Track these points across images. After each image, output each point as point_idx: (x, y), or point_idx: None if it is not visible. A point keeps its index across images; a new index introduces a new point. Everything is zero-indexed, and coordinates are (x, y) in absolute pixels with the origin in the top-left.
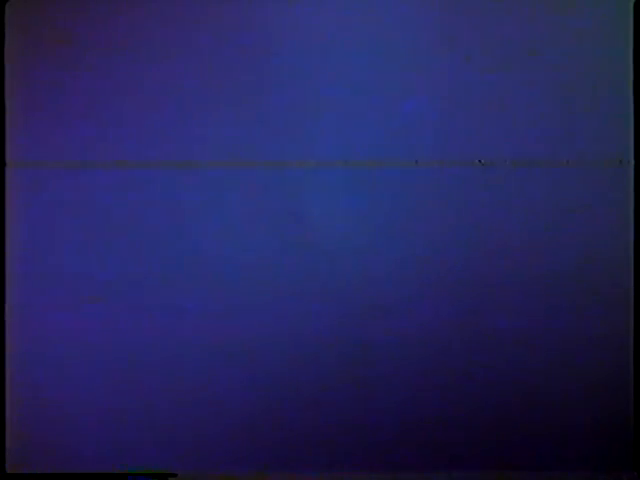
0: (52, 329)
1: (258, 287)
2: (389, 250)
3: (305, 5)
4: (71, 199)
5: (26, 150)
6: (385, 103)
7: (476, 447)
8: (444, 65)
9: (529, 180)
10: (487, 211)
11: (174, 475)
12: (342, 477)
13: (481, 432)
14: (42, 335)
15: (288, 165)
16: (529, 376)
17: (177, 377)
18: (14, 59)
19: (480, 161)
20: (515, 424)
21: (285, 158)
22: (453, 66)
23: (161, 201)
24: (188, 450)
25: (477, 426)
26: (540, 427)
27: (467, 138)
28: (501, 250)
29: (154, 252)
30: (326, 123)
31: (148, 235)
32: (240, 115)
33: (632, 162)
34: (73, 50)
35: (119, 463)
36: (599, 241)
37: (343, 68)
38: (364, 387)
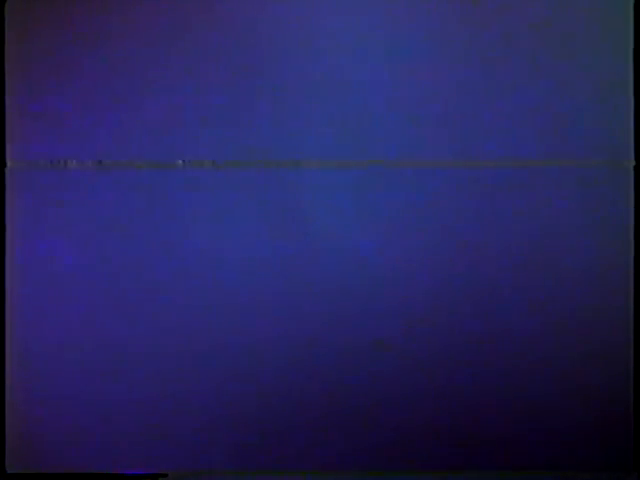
0: (52, 329)
1: (257, 287)
2: (389, 250)
3: (302, 4)
4: (71, 199)
5: (26, 150)
6: (384, 102)
7: (476, 447)
8: (442, 63)
9: (529, 180)
10: (486, 211)
11: (164, 475)
12: (341, 476)
13: (481, 432)
14: (42, 335)
15: (286, 165)
16: (529, 376)
17: (177, 377)
18: (14, 59)
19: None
20: (515, 424)
21: (283, 158)
22: (451, 64)
23: (161, 201)
24: (183, 450)
25: (477, 426)
26: (540, 427)
27: (465, 138)
28: (500, 250)
29: (154, 251)
30: (324, 123)
31: (147, 235)
32: (238, 115)
33: (632, 162)
34: (73, 50)
35: (118, 463)
36: (599, 241)
37: (340, 67)
38: (365, 387)
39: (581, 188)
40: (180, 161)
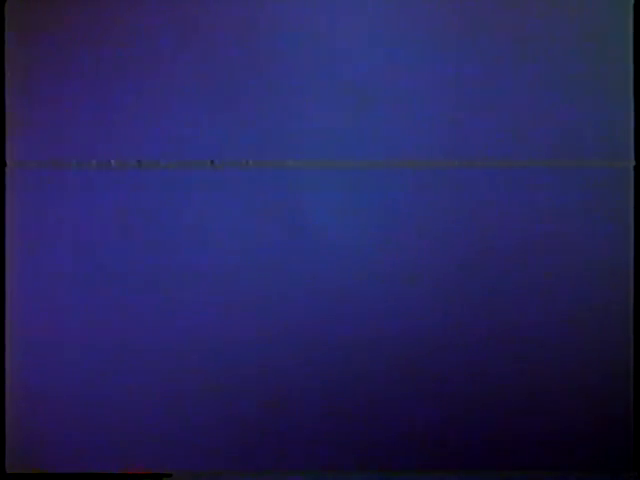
0: (52, 329)
1: (255, 287)
2: (388, 250)
3: (303, 3)
4: (71, 199)
5: (26, 150)
6: (383, 102)
7: (476, 447)
8: (443, 64)
9: (529, 180)
10: (486, 211)
11: (169, 475)
12: (341, 476)
13: (481, 432)
14: (42, 335)
15: (285, 165)
16: (529, 377)
17: (178, 377)
18: (14, 59)
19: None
20: (515, 424)
21: (282, 158)
22: (452, 66)
23: (160, 201)
24: (185, 450)
25: (477, 426)
26: (540, 427)
27: (465, 138)
28: (500, 250)
29: (153, 252)
30: (324, 123)
31: (147, 235)
32: (237, 115)
33: (632, 162)
34: (73, 50)
35: (118, 463)
36: (599, 241)
37: (338, 67)
38: (364, 387)
39: (581, 188)
40: (181, 161)
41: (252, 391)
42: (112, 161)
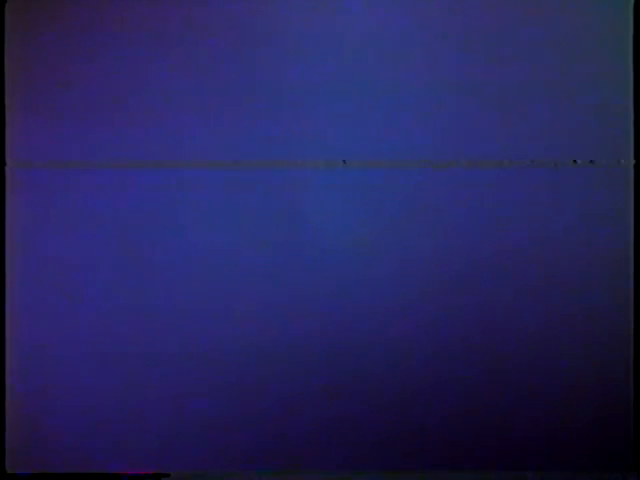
0: (52, 328)
1: (257, 287)
2: (388, 251)
3: (303, 4)
4: (71, 199)
5: (26, 150)
6: (384, 102)
7: (476, 447)
8: (443, 64)
9: (529, 180)
10: (486, 211)
11: (167, 475)
12: (342, 476)
13: (481, 432)
14: (42, 335)
15: (286, 165)
16: (529, 376)
17: (177, 377)
18: (14, 59)
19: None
20: (515, 424)
21: (283, 158)
22: (452, 65)
23: (160, 201)
24: (185, 450)
25: (477, 426)
26: (540, 427)
27: (465, 138)
28: (500, 249)
29: (153, 252)
30: (325, 123)
31: (147, 235)
32: (239, 115)
33: (632, 162)
34: (72, 50)
35: (117, 463)
36: (599, 241)
37: (339, 66)
38: (364, 388)
39: (581, 188)
40: (182, 161)
41: (252, 391)
42: (112, 161)
